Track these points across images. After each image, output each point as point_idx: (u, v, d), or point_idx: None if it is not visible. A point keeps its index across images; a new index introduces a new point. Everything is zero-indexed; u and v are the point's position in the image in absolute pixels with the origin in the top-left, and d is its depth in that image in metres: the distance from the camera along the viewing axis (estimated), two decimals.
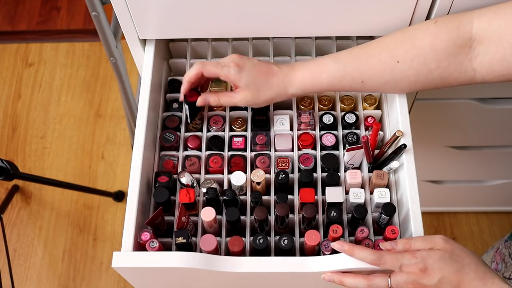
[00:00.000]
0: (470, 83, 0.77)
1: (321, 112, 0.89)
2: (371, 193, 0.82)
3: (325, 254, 0.76)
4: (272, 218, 0.81)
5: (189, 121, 0.87)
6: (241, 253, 0.76)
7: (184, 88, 0.83)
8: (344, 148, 0.86)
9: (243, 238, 0.76)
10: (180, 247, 0.75)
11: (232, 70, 0.79)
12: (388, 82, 0.78)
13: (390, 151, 0.82)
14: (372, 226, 0.80)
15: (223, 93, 0.83)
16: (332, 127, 0.89)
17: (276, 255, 0.79)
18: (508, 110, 1.11)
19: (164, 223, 0.80)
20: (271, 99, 0.81)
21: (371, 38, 0.97)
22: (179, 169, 0.85)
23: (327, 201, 0.80)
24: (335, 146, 0.87)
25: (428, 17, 0.83)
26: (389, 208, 0.77)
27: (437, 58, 0.74)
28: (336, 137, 0.87)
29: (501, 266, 0.99)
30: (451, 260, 0.67)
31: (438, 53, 0.74)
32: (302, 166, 0.85)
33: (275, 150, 0.87)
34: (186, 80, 0.83)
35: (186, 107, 0.86)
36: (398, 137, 0.80)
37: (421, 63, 0.75)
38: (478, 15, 0.73)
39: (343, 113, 0.89)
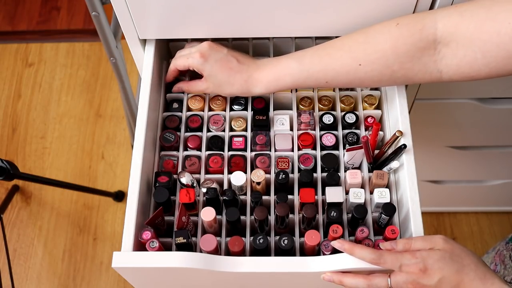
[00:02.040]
0: (437, 82, 0.76)
1: (321, 112, 0.90)
2: (371, 193, 0.82)
3: (325, 254, 0.76)
4: (272, 218, 0.81)
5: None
6: (241, 253, 0.76)
7: (167, 82, 0.92)
8: (344, 148, 0.86)
9: (243, 238, 0.76)
10: (180, 247, 0.75)
11: (196, 60, 0.83)
12: (352, 82, 0.79)
13: (390, 151, 0.82)
14: (372, 226, 0.80)
15: (193, 81, 0.88)
16: (332, 127, 0.89)
17: (276, 255, 0.79)
18: (508, 110, 1.11)
19: (164, 223, 0.80)
20: (233, 94, 0.86)
21: None
22: (179, 169, 0.85)
23: (327, 201, 0.80)
24: (335, 146, 0.87)
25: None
26: (389, 208, 0.77)
27: (399, 61, 0.74)
28: (336, 137, 0.87)
29: (500, 268, 0.99)
30: (451, 260, 0.67)
31: (400, 56, 0.74)
32: (302, 166, 0.85)
33: (275, 150, 0.87)
34: (166, 79, 0.92)
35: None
36: (398, 137, 0.80)
37: (383, 65, 0.75)
38: (442, 17, 0.72)
39: (343, 113, 0.89)
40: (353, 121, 0.88)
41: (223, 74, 0.83)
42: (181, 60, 0.86)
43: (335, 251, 0.74)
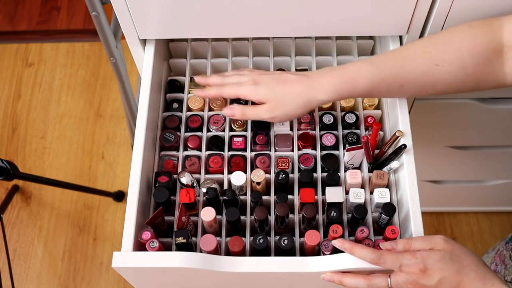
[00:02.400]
0: (500, 87, 0.76)
1: (321, 112, 0.89)
2: (371, 193, 0.82)
3: (325, 254, 0.76)
4: (272, 218, 0.81)
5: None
6: (241, 253, 0.76)
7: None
8: (344, 148, 0.86)
9: (243, 238, 0.76)
10: (180, 247, 0.75)
11: (248, 87, 0.78)
12: (426, 85, 0.76)
13: (390, 151, 0.82)
14: (372, 226, 0.80)
15: (248, 106, 0.82)
16: (332, 127, 0.89)
17: (276, 255, 0.79)
18: (508, 110, 1.11)
19: (164, 223, 0.80)
20: (299, 111, 0.77)
21: (371, 38, 0.97)
22: (179, 169, 0.85)
23: (327, 201, 0.80)
24: (335, 146, 0.87)
25: (428, 16, 0.83)
26: (389, 208, 0.77)
27: (473, 62, 0.74)
28: (336, 137, 0.87)
29: (501, 268, 0.99)
30: (451, 261, 0.67)
31: (475, 56, 0.73)
32: (302, 166, 0.85)
33: (275, 150, 0.87)
34: (203, 95, 0.86)
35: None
36: (398, 137, 0.80)
37: (459, 66, 0.74)
38: (507, 21, 0.73)
39: (343, 113, 0.89)
40: (353, 121, 0.88)
41: (280, 88, 0.77)
42: (231, 90, 0.80)
43: (335, 251, 0.74)
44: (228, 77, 0.83)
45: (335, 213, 0.78)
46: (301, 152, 0.86)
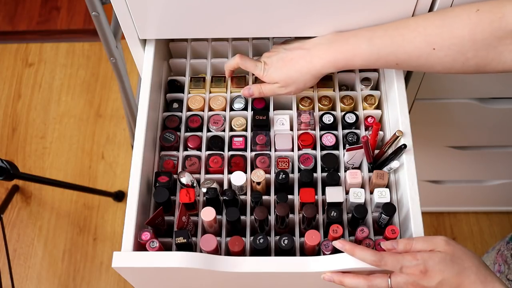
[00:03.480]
0: (508, 72, 0.75)
1: (321, 112, 0.89)
2: (371, 193, 0.82)
3: (325, 254, 0.76)
4: (272, 218, 0.81)
5: None
6: (241, 253, 0.76)
7: (227, 74, 0.91)
8: (344, 148, 0.86)
9: (243, 238, 0.76)
10: (180, 247, 0.75)
11: (261, 69, 0.84)
12: (423, 66, 0.77)
13: (390, 151, 0.82)
14: (372, 226, 0.80)
15: (265, 83, 0.86)
16: (332, 127, 0.89)
17: (276, 255, 0.79)
18: (508, 110, 1.11)
19: (164, 223, 0.80)
20: (307, 84, 0.83)
21: None
22: (179, 169, 0.85)
23: (327, 201, 0.80)
24: (335, 146, 0.87)
25: (430, 10, 0.82)
26: (389, 208, 0.77)
27: (475, 48, 0.72)
28: (336, 137, 0.87)
29: (504, 268, 0.98)
30: (452, 263, 0.67)
31: (477, 44, 0.72)
32: (302, 166, 0.85)
33: (275, 150, 0.87)
34: (226, 68, 0.90)
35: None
36: (398, 137, 0.80)
37: (459, 51, 0.73)
38: None
39: (343, 113, 0.89)
40: (353, 121, 0.88)
41: (287, 68, 0.82)
42: (250, 66, 0.86)
43: (335, 251, 0.74)
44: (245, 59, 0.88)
45: (335, 213, 0.78)
46: (301, 152, 0.86)
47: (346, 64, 0.79)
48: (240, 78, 0.93)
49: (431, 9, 0.81)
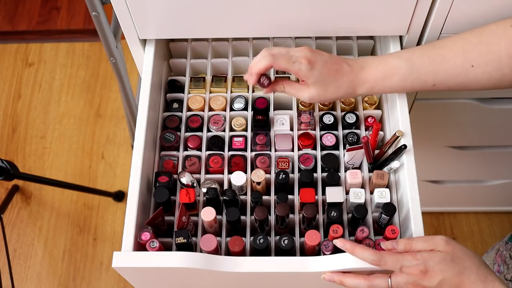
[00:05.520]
0: None
1: (321, 112, 0.89)
2: (371, 193, 0.82)
3: (325, 254, 0.76)
4: (272, 218, 0.81)
5: None
6: (241, 253, 0.76)
7: (253, 80, 0.79)
8: (344, 148, 0.86)
9: (243, 238, 0.76)
10: (180, 247, 0.75)
11: (303, 66, 0.75)
12: (459, 85, 0.76)
13: (390, 151, 0.82)
14: (372, 226, 0.80)
15: (290, 83, 0.81)
16: (332, 127, 0.89)
17: (276, 255, 0.79)
18: (508, 110, 1.11)
19: (164, 223, 0.80)
20: (337, 98, 0.80)
21: (371, 38, 0.97)
22: (179, 169, 0.85)
23: (327, 201, 0.80)
24: (335, 146, 0.87)
25: (428, 16, 0.83)
26: (389, 208, 0.77)
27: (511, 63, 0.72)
28: (336, 137, 0.87)
29: (503, 268, 0.99)
30: (452, 262, 0.67)
31: None
32: (302, 166, 0.85)
33: (275, 150, 0.87)
34: (255, 72, 0.78)
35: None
36: (398, 137, 0.80)
37: (496, 68, 0.73)
38: None
39: (343, 113, 0.89)
40: (353, 121, 0.88)
41: (331, 77, 0.77)
42: (284, 63, 0.76)
43: (335, 251, 0.74)
44: (276, 49, 0.79)
45: (335, 213, 0.78)
46: (301, 152, 0.86)
47: (384, 84, 0.77)
48: (240, 78, 0.93)
49: (430, 9, 0.81)
